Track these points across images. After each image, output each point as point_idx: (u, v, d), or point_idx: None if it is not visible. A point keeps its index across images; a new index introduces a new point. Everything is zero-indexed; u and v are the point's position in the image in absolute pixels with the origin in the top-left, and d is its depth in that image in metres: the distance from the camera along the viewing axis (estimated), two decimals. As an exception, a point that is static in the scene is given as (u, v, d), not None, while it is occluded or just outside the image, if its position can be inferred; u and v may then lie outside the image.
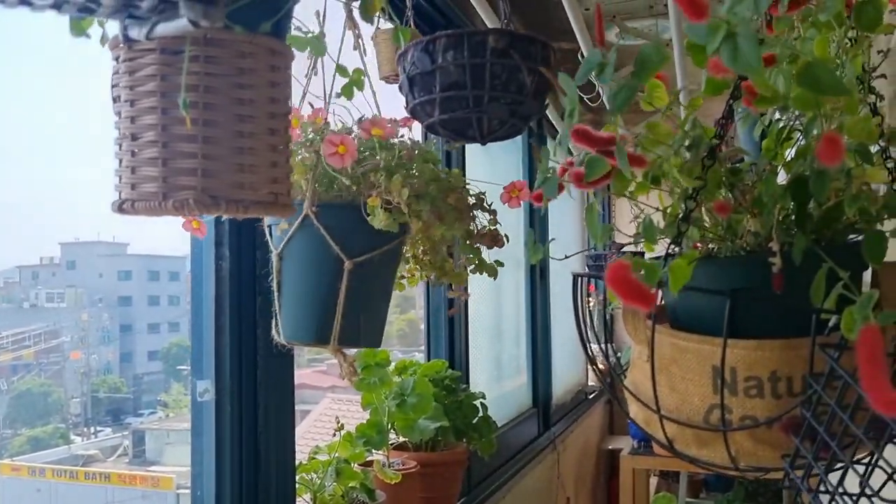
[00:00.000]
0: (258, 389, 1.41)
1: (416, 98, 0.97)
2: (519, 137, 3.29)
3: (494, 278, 1.22)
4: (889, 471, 0.68)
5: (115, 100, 0.76)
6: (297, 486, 1.55)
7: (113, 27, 0.77)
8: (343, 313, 1.10)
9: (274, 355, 1.41)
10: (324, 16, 1.00)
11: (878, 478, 0.77)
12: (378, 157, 1.08)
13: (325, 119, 1.16)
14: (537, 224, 3.21)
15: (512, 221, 3.19)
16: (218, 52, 0.73)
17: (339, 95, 1.08)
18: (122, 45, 0.73)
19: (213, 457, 1.34)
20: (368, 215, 1.08)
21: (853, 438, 0.73)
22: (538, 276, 3.40)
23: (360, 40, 1.19)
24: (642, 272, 0.72)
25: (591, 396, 4.38)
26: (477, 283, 2.82)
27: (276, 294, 1.16)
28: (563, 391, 3.85)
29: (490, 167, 2.90)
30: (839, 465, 0.77)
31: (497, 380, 3.07)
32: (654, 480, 4.04)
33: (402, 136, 1.17)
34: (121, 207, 0.74)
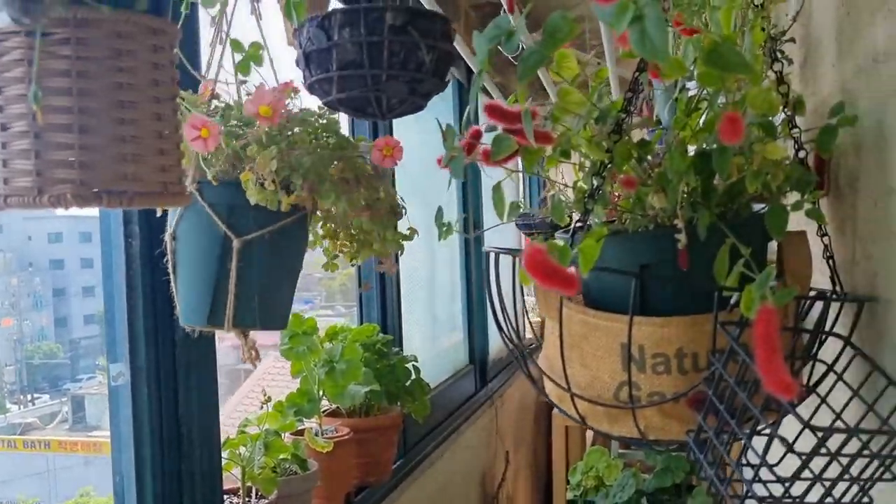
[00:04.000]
0: (177, 369, 1.38)
1: (314, 75, 0.93)
2: (450, 89, 3.25)
3: (400, 253, 1.20)
4: (786, 445, 0.69)
5: (-16, 86, 0.70)
6: (226, 461, 1.53)
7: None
8: (236, 294, 1.07)
9: (194, 334, 1.37)
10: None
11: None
12: (255, 130, 1.04)
13: (213, 93, 1.10)
14: (470, 188, 3.20)
15: (443, 179, 3.16)
16: (90, 34, 0.68)
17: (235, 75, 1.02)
18: (-19, 28, 0.67)
19: (132, 442, 1.31)
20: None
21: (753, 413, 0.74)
22: (472, 233, 3.40)
23: (257, 4, 1.13)
24: (556, 254, 0.71)
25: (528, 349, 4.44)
26: (411, 241, 2.80)
27: (171, 276, 1.12)
28: (499, 346, 3.89)
29: (420, 121, 2.86)
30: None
31: (432, 338, 3.08)
32: (590, 433, 4.14)
33: (288, 104, 1.11)
34: (-7, 204, 0.69)
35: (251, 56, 0.95)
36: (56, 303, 32.83)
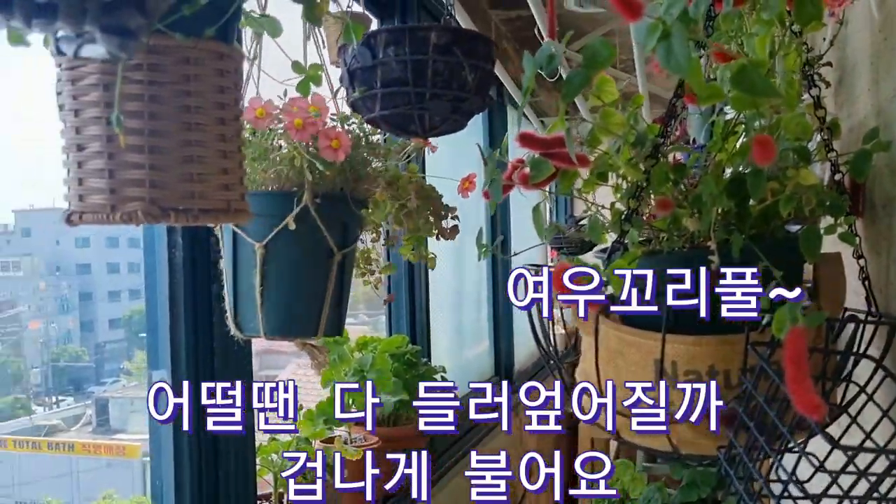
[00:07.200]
0: (216, 378, 1.42)
1: (358, 92, 0.97)
2: (479, 117, 3.29)
3: (433, 268, 1.27)
4: (816, 464, 0.71)
5: (61, 108, 0.74)
6: (259, 468, 1.57)
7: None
8: (331, 305, 1.12)
9: (231, 342, 1.41)
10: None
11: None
12: (362, 151, 1.12)
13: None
14: (499, 210, 3.24)
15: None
16: (161, 60, 0.73)
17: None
18: (61, 54, 0.72)
19: (171, 446, 1.35)
20: (368, 209, 1.11)
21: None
22: (500, 242, 3.42)
23: (317, 31, 1.17)
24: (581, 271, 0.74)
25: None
26: (439, 249, 2.83)
27: (257, 288, 1.13)
28: (525, 356, 3.91)
29: (450, 147, 2.90)
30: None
31: (459, 346, 3.10)
32: (613, 444, 4.13)
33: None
34: (69, 219, 0.74)
35: (311, 77, 0.99)
36: (82, 307, 33.16)
